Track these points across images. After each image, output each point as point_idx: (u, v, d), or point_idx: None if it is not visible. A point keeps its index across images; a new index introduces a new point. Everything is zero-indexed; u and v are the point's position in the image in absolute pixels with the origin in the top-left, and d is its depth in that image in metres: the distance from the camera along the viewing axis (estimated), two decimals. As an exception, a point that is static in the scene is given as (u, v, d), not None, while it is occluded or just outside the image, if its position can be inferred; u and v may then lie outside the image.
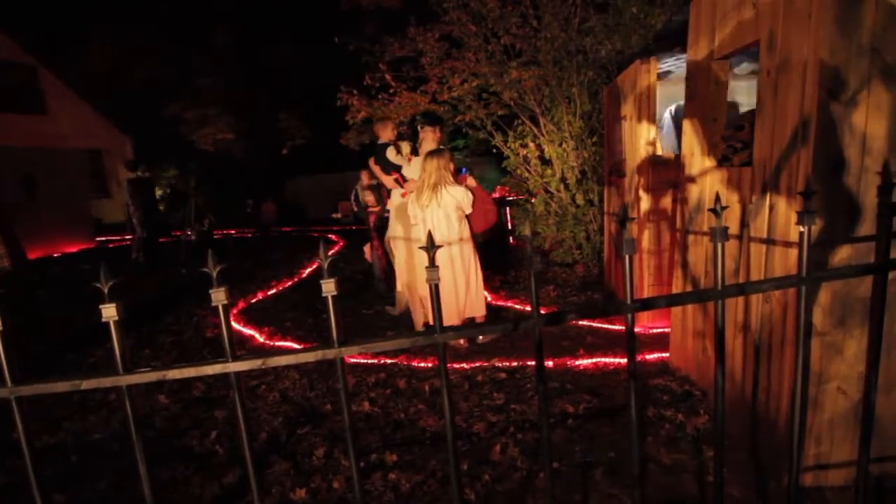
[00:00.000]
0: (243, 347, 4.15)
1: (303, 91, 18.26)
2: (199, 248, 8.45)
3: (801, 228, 1.16)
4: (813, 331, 1.86)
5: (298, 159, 18.88)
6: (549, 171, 6.21)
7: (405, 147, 4.53)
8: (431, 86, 6.77)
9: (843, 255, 1.82)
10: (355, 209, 7.38)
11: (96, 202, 14.02)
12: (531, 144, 6.31)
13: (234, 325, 4.71)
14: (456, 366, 3.43)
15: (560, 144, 6.03)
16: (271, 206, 14.38)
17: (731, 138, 2.46)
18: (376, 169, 4.68)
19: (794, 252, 1.89)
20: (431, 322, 1.12)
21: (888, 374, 1.88)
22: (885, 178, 1.28)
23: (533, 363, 3.25)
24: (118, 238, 11.92)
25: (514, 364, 3.40)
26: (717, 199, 1.15)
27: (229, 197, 15.34)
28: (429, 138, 4.22)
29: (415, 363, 3.52)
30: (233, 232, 13.03)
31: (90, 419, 2.97)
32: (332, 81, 8.07)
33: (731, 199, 2.34)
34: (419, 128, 4.36)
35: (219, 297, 1.02)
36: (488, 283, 4.75)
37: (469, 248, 3.85)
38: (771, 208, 2.05)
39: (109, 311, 1.03)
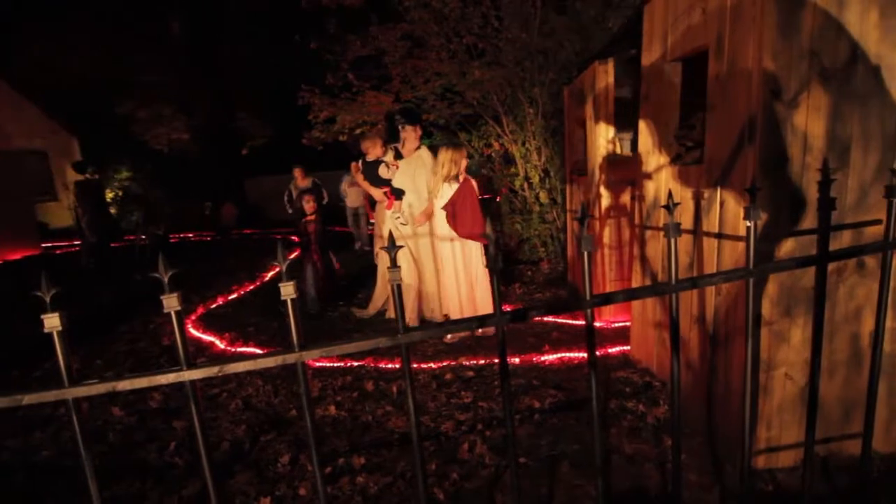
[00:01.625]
0: (203, 355, 4.02)
1: (263, 90, 17.82)
2: (154, 252, 8.12)
3: (748, 223, 1.22)
4: (761, 320, 1.95)
5: (259, 159, 18.41)
6: (512, 170, 6.28)
7: (389, 156, 4.47)
8: (395, 85, 6.74)
9: (788, 247, 1.91)
10: (290, 211, 7.07)
11: (42, 206, 13.26)
12: (495, 144, 6.38)
13: (193, 331, 4.55)
14: (423, 366, 3.42)
15: (523, 144, 6.11)
16: (231, 208, 13.94)
17: (684, 137, 2.55)
18: (365, 184, 4.66)
19: (743, 246, 1.98)
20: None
21: (831, 359, 2.00)
22: (824, 175, 1.35)
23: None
24: (66, 244, 11.31)
25: (482, 362, 3.43)
26: (670, 195, 1.19)
27: (186, 199, 14.79)
28: (411, 137, 4.23)
29: (382, 364, 3.50)
30: (191, 235, 12.58)
31: (37, 436, 2.81)
32: (293, 80, 7.91)
33: (685, 196, 2.43)
34: (399, 127, 4.31)
35: (171, 303, 0.98)
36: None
37: (474, 246, 3.89)
38: (721, 204, 2.14)
39: (52, 321, 0.97)
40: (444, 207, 3.83)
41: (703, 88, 2.26)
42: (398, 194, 4.27)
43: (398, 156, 4.37)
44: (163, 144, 17.92)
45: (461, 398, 2.91)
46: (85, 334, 4.52)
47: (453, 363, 3.43)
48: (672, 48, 2.51)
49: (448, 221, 3.84)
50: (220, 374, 1.06)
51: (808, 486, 1.53)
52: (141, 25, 17.16)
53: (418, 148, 4.31)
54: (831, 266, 1.87)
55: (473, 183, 3.92)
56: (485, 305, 3.94)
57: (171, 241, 9.87)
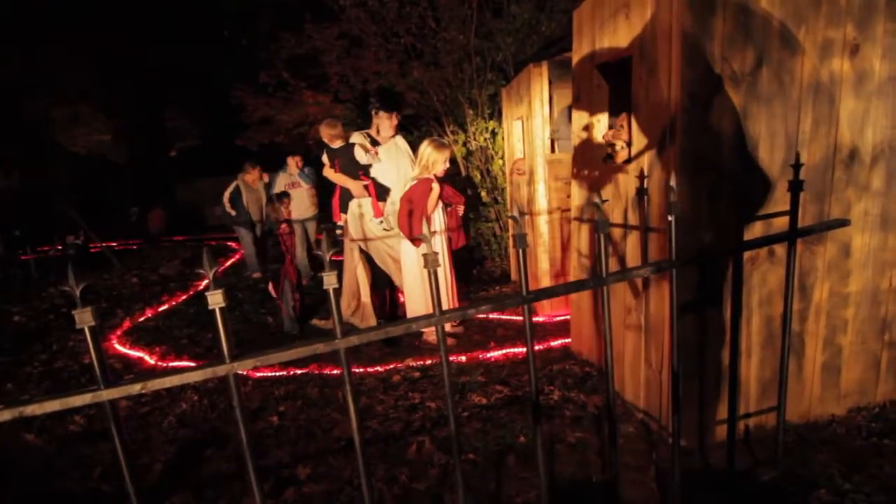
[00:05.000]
0: (131, 371, 3.76)
1: (193, 89, 16.91)
2: (74, 263, 7.50)
3: (670, 217, 1.29)
4: (687, 307, 2.07)
5: (192, 161, 17.48)
6: (454, 171, 6.33)
7: (360, 138, 3.86)
8: (333, 84, 6.62)
9: (708, 239, 2.05)
10: (233, 214, 6.34)
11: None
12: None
13: (119, 347, 4.25)
14: (370, 369, 3.38)
15: (464, 144, 6.18)
16: (159, 214, 13.12)
17: (613, 137, 2.67)
18: (340, 177, 3.94)
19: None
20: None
21: (749, 340, 2.16)
22: (744, 172, 1.46)
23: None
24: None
25: (428, 362, 3.43)
26: (599, 194, 1.24)
27: (110, 204, 13.78)
28: (385, 125, 3.80)
29: (327, 371, 3.42)
30: (115, 244, 11.73)
31: (-65, 472, 2.52)
32: (225, 78, 7.58)
33: (616, 193, 2.54)
34: (373, 112, 3.79)
35: (84, 318, 0.90)
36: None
37: (445, 240, 3.76)
38: (648, 200, 2.26)
39: (-59, 344, 0.87)
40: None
41: (630, 90, 2.38)
42: (382, 195, 3.76)
43: (373, 142, 3.85)
44: (80, 146, 16.59)
45: (409, 399, 2.90)
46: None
47: (400, 365, 3.41)
48: (599, 52, 2.62)
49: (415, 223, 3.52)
50: (144, 392, 0.99)
51: (731, 461, 1.65)
52: (53, 19, 15.78)
53: (393, 136, 3.87)
54: (745, 255, 2.02)
55: (434, 186, 3.49)
56: (447, 302, 3.90)
57: (93, 250, 9.15)
